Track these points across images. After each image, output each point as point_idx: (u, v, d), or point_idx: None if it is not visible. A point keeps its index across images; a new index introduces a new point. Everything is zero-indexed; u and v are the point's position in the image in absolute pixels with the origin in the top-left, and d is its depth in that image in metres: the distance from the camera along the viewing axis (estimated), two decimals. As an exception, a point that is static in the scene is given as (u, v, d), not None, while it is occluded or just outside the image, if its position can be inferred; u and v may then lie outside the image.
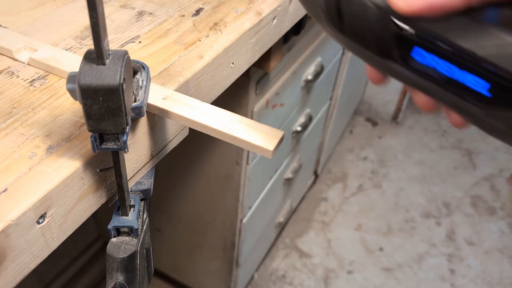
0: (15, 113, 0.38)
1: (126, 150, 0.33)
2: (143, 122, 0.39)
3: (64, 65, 0.42)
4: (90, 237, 1.33)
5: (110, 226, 0.39)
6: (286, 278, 1.49)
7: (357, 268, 1.54)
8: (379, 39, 0.23)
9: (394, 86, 2.05)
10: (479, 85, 0.21)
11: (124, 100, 0.31)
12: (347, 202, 1.75)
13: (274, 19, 0.59)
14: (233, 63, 0.52)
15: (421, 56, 0.22)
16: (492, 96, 0.21)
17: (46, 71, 0.43)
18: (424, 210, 1.75)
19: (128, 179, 0.38)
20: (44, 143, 0.35)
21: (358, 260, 1.56)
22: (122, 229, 0.39)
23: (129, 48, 0.47)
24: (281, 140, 0.37)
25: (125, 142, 0.32)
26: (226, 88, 0.53)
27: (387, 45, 0.23)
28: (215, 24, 0.53)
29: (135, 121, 0.38)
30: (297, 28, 0.83)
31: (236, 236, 1.08)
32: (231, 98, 0.82)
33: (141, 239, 0.40)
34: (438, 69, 0.22)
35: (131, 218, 0.39)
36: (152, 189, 0.43)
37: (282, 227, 1.59)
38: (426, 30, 0.21)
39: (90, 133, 0.32)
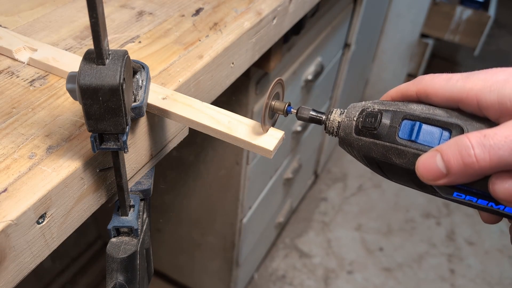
0: (15, 113, 0.38)
1: (126, 150, 0.33)
2: (143, 122, 0.39)
3: (64, 65, 0.42)
4: (90, 237, 1.33)
5: (110, 226, 0.39)
6: (286, 278, 1.49)
7: (357, 268, 1.54)
8: (420, 187, 0.32)
9: (394, 86, 2.05)
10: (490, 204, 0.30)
11: (124, 100, 0.31)
12: (347, 202, 1.75)
13: (274, 19, 0.59)
14: (233, 63, 0.52)
15: (459, 195, 0.30)
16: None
17: (46, 71, 0.43)
18: (424, 210, 1.75)
19: (128, 179, 0.38)
20: (44, 143, 0.35)
21: (358, 260, 1.56)
22: (122, 229, 0.39)
23: (129, 48, 0.47)
24: (281, 140, 0.37)
25: (125, 142, 0.32)
26: (226, 88, 0.53)
27: (430, 190, 0.31)
28: (215, 24, 0.53)
29: (135, 121, 0.38)
30: (297, 28, 0.83)
31: (236, 236, 1.08)
32: (231, 98, 0.82)
33: (141, 239, 0.40)
34: (473, 200, 0.30)
35: (131, 218, 0.39)
36: (152, 189, 0.43)
37: (282, 227, 1.59)
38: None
39: (90, 133, 0.32)
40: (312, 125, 1.28)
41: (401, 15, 1.83)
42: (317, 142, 1.51)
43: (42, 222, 0.32)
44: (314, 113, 0.37)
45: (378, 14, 1.55)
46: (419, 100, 0.33)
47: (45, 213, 0.32)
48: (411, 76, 2.07)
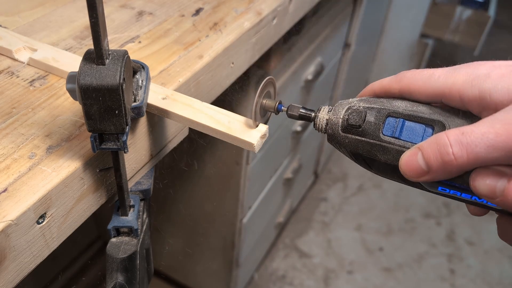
0: (15, 113, 0.38)
1: (126, 150, 0.33)
2: (143, 122, 0.39)
3: (64, 65, 0.42)
4: (90, 237, 1.33)
5: (110, 226, 0.39)
6: (286, 278, 1.49)
7: (357, 268, 1.54)
8: (406, 181, 0.32)
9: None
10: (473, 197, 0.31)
11: (123, 100, 0.31)
12: (347, 202, 1.75)
13: (274, 19, 0.59)
14: (233, 63, 0.52)
15: (443, 190, 0.31)
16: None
17: (46, 71, 0.43)
18: (424, 210, 1.75)
19: (128, 179, 0.38)
20: (44, 143, 0.35)
21: (358, 260, 1.56)
22: (122, 229, 0.39)
23: (129, 48, 0.47)
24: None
25: (124, 142, 0.32)
26: (226, 88, 0.53)
27: (416, 184, 0.32)
28: (215, 24, 0.53)
29: (135, 121, 0.38)
30: (297, 28, 0.83)
31: (236, 236, 1.08)
32: (231, 98, 0.82)
33: (141, 239, 0.40)
34: (457, 194, 0.31)
35: (131, 218, 0.39)
36: (152, 189, 0.43)
37: (282, 227, 1.59)
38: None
39: (90, 133, 0.32)
40: (312, 125, 1.28)
41: (401, 15, 1.83)
42: (317, 142, 1.51)
43: (42, 222, 0.32)
44: (303, 111, 0.37)
45: (378, 14, 1.54)
46: (403, 96, 0.33)
47: (45, 213, 0.32)
48: (411, 76, 2.06)
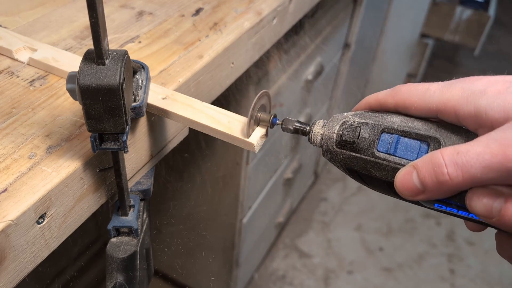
0: (15, 113, 0.38)
1: (126, 150, 0.33)
2: (143, 122, 0.39)
3: (64, 65, 0.42)
4: (90, 237, 1.33)
5: (110, 226, 0.39)
6: (286, 278, 1.49)
7: (357, 268, 1.54)
8: (402, 197, 0.32)
9: (393, 86, 2.05)
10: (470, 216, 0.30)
11: (123, 100, 0.31)
12: (347, 202, 1.75)
13: (274, 19, 0.59)
14: (233, 63, 0.52)
15: (440, 206, 0.31)
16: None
17: (46, 71, 0.43)
18: (424, 210, 1.75)
19: (128, 179, 0.38)
20: (44, 143, 0.35)
21: (358, 260, 1.56)
22: (122, 229, 0.39)
23: (129, 48, 0.47)
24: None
25: (124, 142, 0.32)
26: (226, 88, 0.53)
27: (412, 200, 0.31)
28: (215, 24, 0.53)
29: (135, 121, 0.38)
30: (297, 28, 0.83)
31: (236, 236, 1.08)
32: (231, 98, 0.82)
33: (141, 239, 0.40)
34: (454, 211, 0.30)
35: (131, 218, 0.39)
36: (152, 189, 0.43)
37: (282, 227, 1.59)
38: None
39: (90, 133, 0.32)
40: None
41: (401, 15, 1.83)
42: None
43: (42, 222, 0.32)
44: (298, 125, 0.37)
45: (378, 14, 1.54)
46: (398, 111, 0.33)
47: (45, 213, 0.32)
48: (411, 76, 2.07)
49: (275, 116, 0.38)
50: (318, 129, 0.36)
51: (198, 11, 0.55)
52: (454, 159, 0.27)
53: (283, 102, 0.97)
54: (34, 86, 0.41)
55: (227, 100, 0.82)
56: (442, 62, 2.43)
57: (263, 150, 0.97)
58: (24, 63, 0.44)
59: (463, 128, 0.30)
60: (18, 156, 0.34)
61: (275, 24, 0.60)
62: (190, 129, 0.45)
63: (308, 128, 0.37)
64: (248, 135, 0.36)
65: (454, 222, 1.72)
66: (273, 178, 1.16)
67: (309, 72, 1.06)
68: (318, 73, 1.08)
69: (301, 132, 0.37)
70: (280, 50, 0.78)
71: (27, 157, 0.34)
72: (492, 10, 1.90)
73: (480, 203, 0.27)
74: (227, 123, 0.37)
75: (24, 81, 0.42)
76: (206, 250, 1.19)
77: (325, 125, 0.35)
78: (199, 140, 0.95)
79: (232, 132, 0.36)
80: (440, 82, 0.31)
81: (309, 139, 0.36)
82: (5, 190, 0.31)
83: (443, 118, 0.30)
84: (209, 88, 0.49)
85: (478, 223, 0.31)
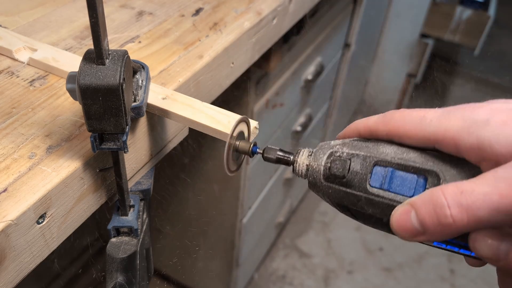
0: (15, 113, 0.38)
1: (126, 150, 0.33)
2: (143, 122, 0.39)
3: (64, 65, 0.42)
4: (90, 237, 1.33)
5: (110, 226, 0.39)
6: (286, 278, 1.49)
7: (357, 268, 1.54)
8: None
9: (394, 86, 2.05)
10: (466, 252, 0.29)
11: (123, 100, 0.31)
12: (347, 202, 1.75)
13: (274, 19, 0.59)
14: (233, 63, 0.52)
15: (440, 244, 0.29)
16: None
17: (46, 71, 0.43)
18: (424, 210, 1.75)
19: (128, 179, 0.38)
20: (44, 143, 0.35)
21: (358, 260, 1.56)
22: (122, 229, 0.39)
23: (129, 48, 0.47)
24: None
25: (124, 142, 0.32)
26: (226, 88, 0.53)
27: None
28: (215, 24, 0.53)
29: (135, 121, 0.38)
30: (297, 28, 0.83)
31: (236, 236, 1.08)
32: (231, 98, 0.82)
33: (140, 239, 0.40)
34: (455, 250, 0.29)
35: (131, 218, 0.39)
36: (152, 189, 0.43)
37: (282, 227, 1.59)
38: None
39: (90, 133, 0.32)
40: (312, 126, 1.28)
41: (401, 15, 1.83)
42: (317, 142, 1.51)
43: (42, 222, 0.32)
44: (281, 154, 0.34)
45: (378, 14, 1.55)
46: (391, 140, 0.30)
47: (45, 213, 0.32)
48: (411, 76, 2.07)
49: (255, 145, 0.35)
50: (303, 160, 0.33)
51: (198, 11, 0.55)
52: (458, 200, 0.24)
53: (283, 102, 0.97)
54: (34, 86, 0.41)
55: (227, 100, 0.82)
56: (442, 62, 2.43)
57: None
58: (24, 63, 0.44)
59: (463, 160, 0.27)
60: (18, 156, 0.34)
61: (275, 24, 0.60)
62: (190, 129, 0.45)
63: (292, 157, 0.34)
64: (228, 169, 0.34)
65: (454, 222, 1.72)
66: (273, 178, 1.16)
67: (309, 72, 1.06)
68: (318, 73, 1.08)
69: (284, 162, 0.34)
70: (280, 50, 0.78)
71: (27, 157, 0.34)
72: (492, 10, 1.90)
73: (485, 244, 0.25)
74: (227, 123, 0.37)
75: (24, 81, 0.42)
76: (206, 250, 1.19)
77: (311, 155, 0.33)
78: (199, 140, 0.95)
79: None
80: (437, 109, 0.29)
81: (293, 169, 0.34)
82: (5, 190, 0.31)
83: (441, 149, 0.28)
84: (209, 88, 0.49)
85: (480, 260, 0.29)
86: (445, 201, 0.25)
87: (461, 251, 0.29)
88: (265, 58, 0.75)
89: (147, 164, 0.42)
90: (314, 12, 0.90)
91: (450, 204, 0.25)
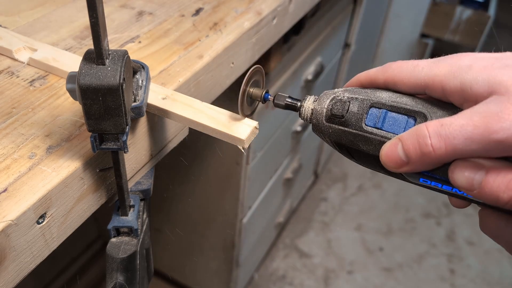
0: (15, 113, 0.38)
1: (126, 150, 0.33)
2: (143, 122, 0.39)
3: (64, 65, 0.42)
4: (90, 237, 1.33)
5: (110, 226, 0.39)
6: (286, 278, 1.49)
7: (357, 268, 1.54)
8: (388, 172, 0.32)
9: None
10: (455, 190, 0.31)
11: (123, 100, 0.31)
12: (347, 202, 1.75)
13: (274, 19, 0.59)
14: (233, 63, 0.52)
15: (425, 181, 0.31)
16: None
17: (46, 71, 0.43)
18: (424, 210, 1.75)
19: (128, 179, 0.38)
20: (44, 143, 0.35)
21: (358, 260, 1.56)
22: (122, 229, 0.39)
23: (129, 48, 0.47)
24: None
25: (124, 142, 0.32)
26: (226, 88, 0.53)
27: (398, 175, 0.32)
28: (215, 24, 0.53)
29: (135, 121, 0.38)
30: (297, 28, 0.83)
31: (236, 236, 1.08)
32: (231, 98, 0.82)
33: (141, 239, 0.40)
34: (439, 186, 0.31)
35: (131, 218, 0.39)
36: (152, 189, 0.43)
37: (282, 227, 1.59)
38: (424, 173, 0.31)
39: (90, 133, 0.32)
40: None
41: (401, 15, 1.83)
42: (317, 142, 1.51)
43: (42, 222, 0.32)
44: (290, 100, 0.37)
45: (378, 14, 1.54)
46: (388, 87, 0.33)
47: (45, 213, 0.32)
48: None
49: (267, 92, 0.38)
50: (308, 105, 0.36)
51: (198, 11, 0.55)
52: (438, 131, 0.27)
53: (283, 102, 0.97)
54: (34, 86, 0.41)
55: (227, 99, 0.82)
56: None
57: (263, 150, 0.97)
58: (24, 63, 0.44)
59: (450, 104, 0.30)
60: (18, 156, 0.34)
61: (275, 24, 0.60)
62: (190, 129, 0.45)
63: (299, 103, 0.37)
64: (242, 113, 0.36)
65: (454, 222, 1.72)
66: (273, 178, 1.16)
67: (309, 72, 1.06)
68: (318, 73, 1.08)
69: (292, 107, 0.37)
70: (280, 50, 0.78)
71: (27, 157, 0.34)
72: (492, 10, 1.90)
73: (462, 175, 0.28)
74: (227, 123, 0.37)
75: (24, 81, 0.42)
76: (206, 250, 1.19)
77: (316, 100, 0.36)
78: (199, 140, 0.95)
79: (232, 132, 0.36)
80: (429, 59, 0.32)
81: (300, 114, 0.36)
82: (5, 190, 0.31)
83: (431, 94, 0.31)
84: (209, 88, 0.49)
85: (462, 199, 0.32)
86: (427, 132, 0.28)
87: (444, 187, 0.31)
88: (265, 58, 0.75)
89: (147, 164, 0.42)
90: (314, 12, 0.90)
91: (431, 134, 0.28)
